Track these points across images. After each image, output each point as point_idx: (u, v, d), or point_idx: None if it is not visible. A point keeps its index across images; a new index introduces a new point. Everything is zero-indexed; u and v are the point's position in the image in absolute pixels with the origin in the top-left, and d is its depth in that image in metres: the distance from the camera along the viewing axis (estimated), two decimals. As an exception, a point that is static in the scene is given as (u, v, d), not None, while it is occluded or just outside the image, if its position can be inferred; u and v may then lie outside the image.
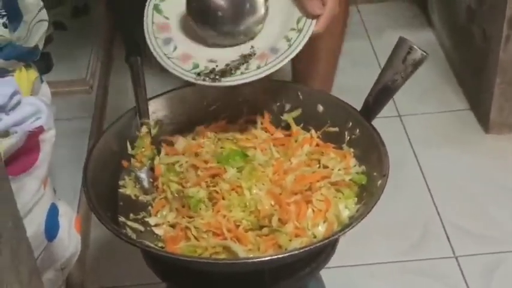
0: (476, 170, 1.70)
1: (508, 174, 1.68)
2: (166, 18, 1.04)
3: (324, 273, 1.14)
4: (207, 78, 0.96)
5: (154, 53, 1.01)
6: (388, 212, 1.50)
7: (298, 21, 1.01)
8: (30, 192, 1.17)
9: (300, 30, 1.00)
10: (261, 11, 0.99)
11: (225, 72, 0.97)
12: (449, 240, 1.54)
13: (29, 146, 1.12)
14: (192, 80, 0.98)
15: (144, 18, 1.05)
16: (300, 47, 0.99)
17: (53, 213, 1.30)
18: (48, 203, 1.29)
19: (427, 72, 1.94)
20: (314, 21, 1.00)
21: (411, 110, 1.88)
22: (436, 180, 1.68)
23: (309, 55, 1.50)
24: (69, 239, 1.36)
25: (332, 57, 1.53)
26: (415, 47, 0.96)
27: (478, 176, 1.68)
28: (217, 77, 0.97)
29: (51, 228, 1.30)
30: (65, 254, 1.34)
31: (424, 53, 0.96)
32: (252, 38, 1.00)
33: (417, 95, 1.90)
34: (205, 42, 1.02)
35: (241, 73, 0.96)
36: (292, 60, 1.56)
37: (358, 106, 1.03)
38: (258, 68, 0.97)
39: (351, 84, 1.62)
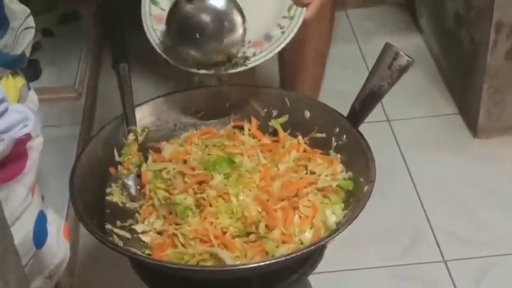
0: (465, 174, 1.71)
1: (497, 178, 1.69)
2: (163, 10, 1.05)
3: (312, 279, 1.14)
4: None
5: (154, 45, 1.04)
6: (377, 217, 1.50)
7: (289, 9, 1.06)
8: (18, 200, 1.16)
9: (291, 18, 1.04)
10: (239, 31, 1.00)
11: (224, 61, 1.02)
12: (438, 245, 1.54)
13: (17, 154, 1.11)
14: (195, 71, 1.01)
15: (142, 11, 1.06)
16: (292, 34, 1.04)
17: (41, 221, 1.30)
18: (37, 210, 1.28)
19: (416, 77, 1.95)
20: (304, 8, 1.05)
21: (400, 115, 1.89)
22: (425, 185, 1.69)
23: (297, 58, 1.51)
24: (58, 246, 1.35)
25: (320, 60, 1.54)
26: (401, 53, 0.96)
27: (467, 180, 1.69)
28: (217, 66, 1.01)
29: (40, 235, 1.29)
30: (53, 261, 1.34)
31: (410, 59, 0.96)
32: (231, 58, 1.02)
33: (406, 100, 1.90)
34: None
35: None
36: (281, 63, 1.58)
37: (347, 111, 1.03)
38: (254, 55, 1.02)
39: (340, 89, 1.62)
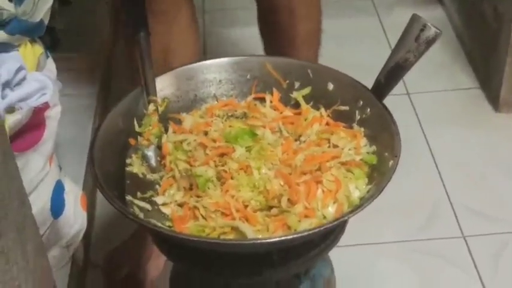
0: (486, 148, 1.69)
1: (518, 153, 1.67)
2: None
3: (331, 253, 1.13)
4: None
5: None
6: (396, 191, 1.46)
7: None
8: (36, 169, 1.16)
9: None
10: None
11: None
12: (457, 220, 1.53)
13: (34, 123, 1.11)
14: None
15: None
16: None
17: (58, 191, 1.29)
18: (54, 180, 1.28)
19: (437, 50, 1.91)
20: None
21: (420, 88, 1.86)
22: (445, 159, 1.67)
23: (289, 41, 1.46)
24: (75, 216, 1.35)
25: (313, 41, 1.49)
26: (428, 24, 0.94)
27: (487, 155, 1.67)
28: None
29: (57, 205, 1.29)
30: (70, 231, 1.34)
31: (438, 31, 0.94)
32: None
33: (426, 73, 1.87)
34: None
35: None
36: (272, 47, 1.52)
37: (366, 83, 1.01)
38: None
39: (359, 62, 1.60)
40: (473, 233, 1.50)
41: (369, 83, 1.01)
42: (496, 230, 1.50)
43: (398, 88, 1.84)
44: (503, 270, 1.42)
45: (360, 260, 1.44)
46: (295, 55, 1.41)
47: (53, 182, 1.28)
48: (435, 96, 1.85)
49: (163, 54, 1.29)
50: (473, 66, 1.92)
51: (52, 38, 1.79)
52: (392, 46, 0.96)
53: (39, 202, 1.24)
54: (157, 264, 1.34)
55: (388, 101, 0.99)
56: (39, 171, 1.21)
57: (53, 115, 1.22)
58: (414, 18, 0.95)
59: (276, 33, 1.46)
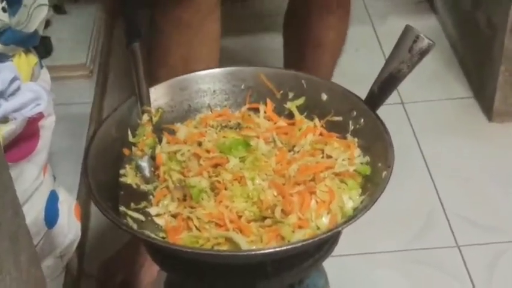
0: (480, 158, 1.69)
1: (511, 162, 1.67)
2: None
3: (325, 263, 1.13)
4: None
5: None
6: (390, 200, 1.46)
7: None
8: (30, 179, 1.15)
9: None
10: None
11: None
12: (451, 230, 1.53)
13: (29, 133, 1.10)
14: None
15: None
16: None
17: (52, 200, 1.29)
18: (48, 190, 1.28)
19: (431, 60, 1.92)
20: None
21: (414, 98, 1.87)
22: (439, 169, 1.67)
23: (314, 46, 1.48)
24: (69, 226, 1.34)
25: (336, 51, 1.50)
26: (421, 35, 0.94)
27: (481, 165, 1.67)
28: None
29: (51, 215, 1.28)
30: (64, 241, 1.34)
31: (431, 42, 0.94)
32: None
33: (421, 83, 1.88)
34: None
35: None
36: (294, 49, 1.54)
37: (360, 93, 1.02)
38: None
39: (353, 71, 1.61)
40: (468, 242, 1.50)
41: (364, 92, 1.01)
42: (490, 240, 1.50)
43: (393, 97, 1.84)
44: (498, 280, 1.42)
45: (354, 270, 1.44)
46: (317, 60, 1.42)
47: (47, 192, 1.28)
48: (429, 106, 1.86)
49: (182, 62, 1.28)
50: (467, 76, 1.92)
51: (46, 47, 1.79)
52: (387, 55, 0.97)
53: (33, 212, 1.23)
54: (151, 272, 1.34)
55: (382, 110, 1.00)
56: (33, 181, 1.21)
57: (47, 125, 1.22)
58: (407, 29, 0.95)
59: (302, 36, 1.47)
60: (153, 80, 1.05)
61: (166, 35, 1.29)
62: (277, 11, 1.78)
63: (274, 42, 1.73)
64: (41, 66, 1.20)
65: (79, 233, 1.38)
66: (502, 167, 1.66)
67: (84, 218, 1.47)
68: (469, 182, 1.63)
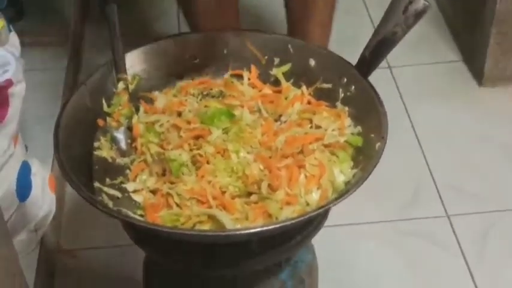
0: (470, 124, 1.64)
1: (503, 129, 1.63)
2: None
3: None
4: None
5: None
6: (378, 169, 1.43)
7: None
8: (-1, 151, 1.10)
9: None
10: None
11: None
12: (441, 199, 1.49)
13: (-3, 102, 1.05)
14: None
15: None
16: None
17: (24, 172, 1.23)
18: (19, 161, 1.22)
19: (420, 22, 1.85)
20: None
21: (402, 62, 1.81)
22: (428, 136, 1.62)
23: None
24: (43, 199, 1.29)
25: (329, 1, 1.44)
26: (417, -4, 0.88)
27: (471, 131, 1.63)
28: None
29: (23, 187, 1.23)
30: (38, 213, 1.29)
31: (426, 3, 0.89)
32: None
33: (408, 46, 1.79)
34: None
35: None
36: (287, 5, 1.49)
37: (347, 57, 0.96)
38: None
39: (339, 34, 1.54)
40: (458, 212, 1.46)
41: (349, 57, 0.96)
42: (481, 209, 1.46)
43: (382, 60, 1.79)
44: (488, 250, 1.39)
45: (341, 241, 1.40)
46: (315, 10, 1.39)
47: (18, 164, 1.22)
48: (417, 70, 1.80)
49: None
50: (456, 39, 1.87)
51: (16, 9, 1.71)
52: (373, 18, 0.91)
53: (4, 185, 1.18)
54: None
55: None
56: (3, 153, 1.16)
57: (17, 93, 1.16)
58: (402, -10, 0.89)
59: None
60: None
61: None
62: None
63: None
64: (9, 30, 1.14)
65: (54, 206, 1.33)
66: (493, 133, 1.61)
67: (60, 189, 1.41)
68: (458, 149, 1.59)
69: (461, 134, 1.62)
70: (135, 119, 0.94)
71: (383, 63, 1.75)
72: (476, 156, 1.57)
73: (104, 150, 0.91)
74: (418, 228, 1.43)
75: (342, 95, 0.96)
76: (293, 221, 0.78)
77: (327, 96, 0.97)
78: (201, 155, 0.88)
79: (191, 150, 0.89)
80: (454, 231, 1.43)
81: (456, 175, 1.53)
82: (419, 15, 0.89)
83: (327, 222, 0.96)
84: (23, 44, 1.22)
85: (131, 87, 0.97)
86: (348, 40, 1.40)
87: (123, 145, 0.93)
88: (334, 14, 1.47)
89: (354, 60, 0.95)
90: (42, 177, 1.29)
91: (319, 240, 1.10)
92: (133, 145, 0.93)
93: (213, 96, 0.98)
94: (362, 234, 1.42)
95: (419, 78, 1.78)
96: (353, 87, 0.95)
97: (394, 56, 1.73)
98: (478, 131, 1.62)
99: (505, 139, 1.60)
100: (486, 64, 1.70)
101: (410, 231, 1.42)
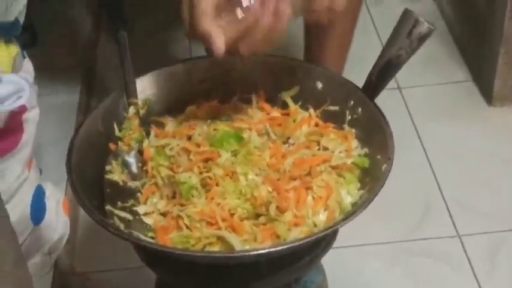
0: (480, 143, 1.65)
1: (513, 148, 1.63)
2: None
3: (322, 256, 1.09)
4: None
5: None
6: (387, 189, 1.43)
7: None
8: (14, 175, 1.12)
9: None
10: None
11: None
12: (452, 218, 1.49)
13: (11, 127, 1.07)
14: None
15: None
16: None
17: (38, 196, 1.25)
18: (34, 185, 1.24)
19: (428, 43, 1.84)
20: None
21: (411, 82, 1.82)
22: (438, 155, 1.63)
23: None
24: (57, 222, 1.31)
25: (347, 25, 1.46)
26: (421, 19, 0.90)
27: (481, 150, 1.63)
28: None
29: (38, 211, 1.25)
30: (52, 237, 1.30)
31: (431, 26, 0.90)
32: None
33: (417, 67, 1.83)
34: None
35: None
36: (306, 27, 1.50)
37: (357, 78, 0.97)
38: None
39: (350, 56, 1.55)
40: (468, 231, 1.46)
41: (359, 77, 0.97)
42: (492, 228, 1.46)
43: (389, 82, 1.81)
44: (499, 269, 1.39)
45: (351, 262, 1.40)
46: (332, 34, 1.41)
47: (33, 188, 1.24)
48: (427, 91, 1.81)
49: None
50: (465, 59, 1.88)
51: (31, 35, 1.74)
52: (382, 38, 0.93)
53: (19, 209, 1.20)
54: None
55: (378, 96, 0.96)
56: (17, 177, 1.17)
57: (31, 118, 1.18)
58: (406, 13, 0.91)
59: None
60: None
61: None
62: None
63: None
64: (23, 57, 1.16)
65: (68, 229, 1.34)
66: (503, 152, 1.62)
67: (74, 212, 1.43)
68: (468, 168, 1.59)
69: (471, 153, 1.62)
70: (145, 143, 0.96)
71: (393, 84, 1.79)
72: (486, 175, 1.57)
73: (115, 174, 0.93)
74: (428, 247, 1.43)
75: (349, 117, 0.97)
76: (300, 242, 0.79)
77: (334, 119, 0.98)
78: (210, 178, 0.89)
79: (201, 173, 0.90)
80: (464, 251, 1.43)
81: (466, 194, 1.53)
82: (423, 38, 0.90)
83: (336, 243, 0.97)
84: (36, 69, 1.25)
85: (142, 111, 0.98)
86: (357, 60, 1.41)
87: (134, 169, 0.94)
88: (351, 41, 1.48)
89: (363, 80, 0.96)
90: (56, 201, 1.31)
91: (329, 261, 1.11)
92: (144, 168, 0.94)
93: (222, 120, 0.99)
94: (372, 255, 1.42)
95: (429, 98, 1.79)
96: (360, 109, 0.96)
97: (403, 76, 1.78)
98: (488, 150, 1.63)
99: (514, 157, 1.60)
100: (495, 84, 1.71)
101: (420, 251, 1.43)
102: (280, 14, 0.84)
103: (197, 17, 0.83)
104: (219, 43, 0.83)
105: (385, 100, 0.97)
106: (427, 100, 1.78)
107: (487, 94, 1.75)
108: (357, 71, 0.96)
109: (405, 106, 1.77)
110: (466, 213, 1.49)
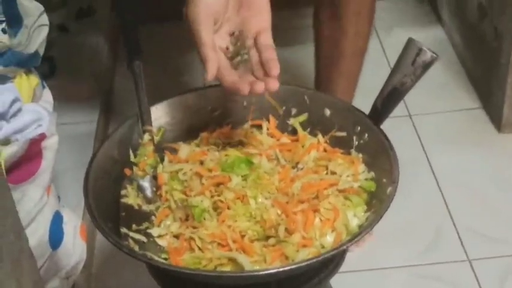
0: (490, 170, 1.67)
1: (522, 174, 1.65)
2: None
3: (333, 280, 1.11)
4: None
5: None
6: (398, 214, 1.46)
7: None
8: (33, 201, 1.15)
9: None
10: None
11: None
12: (462, 244, 1.50)
13: (31, 154, 1.10)
14: None
15: None
16: None
17: (57, 221, 1.28)
18: (52, 211, 1.27)
19: (438, 71, 1.90)
20: None
21: (422, 109, 1.85)
22: (448, 181, 1.65)
23: (333, 53, 1.48)
24: (74, 247, 1.34)
25: (357, 57, 1.50)
26: (424, 48, 0.92)
27: (491, 176, 1.65)
28: None
29: (56, 236, 1.28)
30: (70, 262, 1.33)
31: (435, 55, 0.93)
32: None
33: (427, 94, 1.86)
34: None
35: None
36: (318, 56, 1.55)
37: (367, 106, 1.00)
38: None
39: (360, 84, 1.58)
40: (479, 256, 1.47)
41: (369, 104, 0.99)
42: (502, 253, 1.47)
43: (400, 110, 1.84)
44: (510, 294, 1.40)
45: (362, 286, 1.42)
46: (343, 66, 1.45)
47: (51, 213, 1.27)
48: (437, 118, 1.84)
49: None
50: (474, 86, 1.90)
51: (50, 66, 1.79)
52: (392, 65, 0.95)
53: (37, 234, 1.22)
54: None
55: (389, 123, 0.98)
56: (36, 203, 1.20)
57: (50, 146, 1.21)
58: (410, 42, 0.94)
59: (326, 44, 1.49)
60: None
61: None
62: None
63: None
64: (43, 87, 1.20)
65: (85, 254, 1.37)
66: (512, 178, 1.64)
67: (90, 238, 1.46)
68: (478, 194, 1.61)
69: (481, 179, 1.64)
70: (159, 169, 0.99)
71: (403, 112, 1.82)
72: (496, 200, 1.59)
73: (130, 198, 0.96)
74: (439, 272, 1.45)
75: (356, 142, 1.00)
76: (308, 262, 0.82)
77: (341, 144, 1.01)
78: (221, 201, 0.92)
79: (212, 196, 0.94)
80: (475, 275, 1.44)
81: (476, 219, 1.55)
82: (427, 66, 0.93)
83: (347, 268, 0.99)
84: (55, 98, 1.29)
85: (156, 138, 1.02)
86: (367, 88, 1.44)
87: (148, 193, 0.98)
88: (361, 69, 1.52)
89: (371, 105, 0.99)
90: (73, 226, 1.34)
91: (340, 284, 1.13)
92: (158, 193, 0.98)
93: (233, 146, 1.02)
94: (383, 279, 1.44)
95: (439, 125, 1.82)
96: (366, 135, 0.99)
97: (414, 104, 1.81)
98: (498, 176, 1.65)
99: (524, 183, 1.62)
100: (504, 111, 1.73)
101: (431, 276, 1.44)
102: None
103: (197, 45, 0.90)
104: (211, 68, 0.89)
105: (396, 127, 1.00)
106: (437, 127, 1.81)
107: (497, 121, 1.77)
108: (369, 100, 0.99)
109: (416, 133, 1.79)
110: (476, 238, 1.51)
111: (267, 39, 0.93)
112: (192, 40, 0.91)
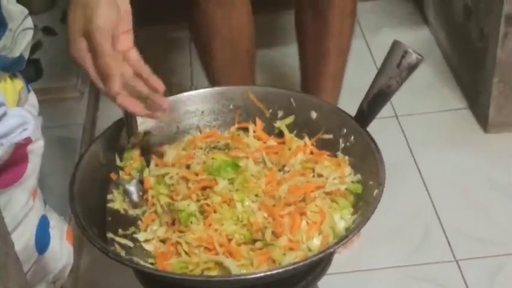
0: (476, 170, 1.68)
1: (509, 174, 1.66)
2: None
3: (321, 281, 1.11)
4: None
5: None
6: (386, 215, 1.46)
7: None
8: (19, 205, 1.14)
9: None
10: None
11: None
12: (449, 244, 1.51)
13: (17, 158, 1.09)
14: None
15: None
16: None
17: (43, 226, 1.27)
18: (38, 215, 1.26)
19: (424, 71, 1.91)
20: None
21: (408, 110, 1.85)
22: (435, 182, 1.66)
23: (319, 50, 1.48)
24: (61, 251, 1.33)
25: (341, 56, 1.50)
26: (409, 50, 0.93)
27: (478, 177, 1.66)
28: None
29: (42, 240, 1.27)
30: (57, 266, 1.32)
31: (420, 57, 0.93)
32: None
33: (414, 95, 1.87)
34: None
35: None
36: (302, 55, 1.55)
37: (355, 108, 1.00)
38: None
39: (346, 85, 1.59)
40: (466, 256, 1.48)
41: (356, 105, 0.99)
42: (489, 253, 1.48)
43: (386, 111, 1.84)
44: (497, 294, 1.41)
45: (350, 287, 1.42)
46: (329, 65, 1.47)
47: (37, 218, 1.26)
48: (424, 118, 1.85)
49: (229, 34, 1.41)
50: (460, 87, 1.91)
51: (36, 69, 1.78)
52: (378, 69, 0.96)
53: (23, 239, 1.22)
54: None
55: (376, 123, 0.98)
56: (22, 207, 1.19)
57: (36, 150, 1.20)
58: (395, 45, 0.94)
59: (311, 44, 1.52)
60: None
61: None
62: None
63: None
64: (28, 90, 1.19)
65: (71, 258, 1.36)
66: (499, 178, 1.64)
67: (77, 241, 1.45)
68: (465, 194, 1.62)
69: (467, 179, 1.65)
70: (146, 173, 0.99)
71: (390, 112, 1.83)
72: (483, 200, 1.60)
73: (116, 203, 0.96)
74: (427, 273, 1.45)
75: (342, 145, 1.00)
76: (295, 266, 0.81)
77: (328, 146, 1.01)
78: (208, 205, 0.92)
79: (199, 200, 0.93)
80: (462, 276, 1.45)
81: (464, 220, 1.56)
82: (412, 68, 0.93)
83: (335, 269, 0.99)
84: (41, 101, 1.28)
85: (142, 142, 1.01)
86: (354, 89, 1.44)
87: (135, 197, 0.97)
88: (345, 68, 1.53)
89: (357, 106, 0.99)
90: (60, 230, 1.33)
91: (329, 286, 1.13)
92: (144, 197, 0.97)
93: (219, 149, 1.02)
94: (371, 280, 1.45)
95: (425, 125, 1.83)
96: (352, 137, 0.99)
97: (400, 105, 1.82)
98: (484, 176, 1.65)
99: (510, 183, 1.63)
100: (490, 111, 1.74)
101: (418, 276, 1.45)
102: None
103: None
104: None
105: (382, 128, 1.00)
106: (424, 127, 1.82)
107: (483, 121, 1.78)
108: (356, 101, 0.99)
109: (402, 134, 1.80)
110: (463, 239, 1.52)
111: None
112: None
